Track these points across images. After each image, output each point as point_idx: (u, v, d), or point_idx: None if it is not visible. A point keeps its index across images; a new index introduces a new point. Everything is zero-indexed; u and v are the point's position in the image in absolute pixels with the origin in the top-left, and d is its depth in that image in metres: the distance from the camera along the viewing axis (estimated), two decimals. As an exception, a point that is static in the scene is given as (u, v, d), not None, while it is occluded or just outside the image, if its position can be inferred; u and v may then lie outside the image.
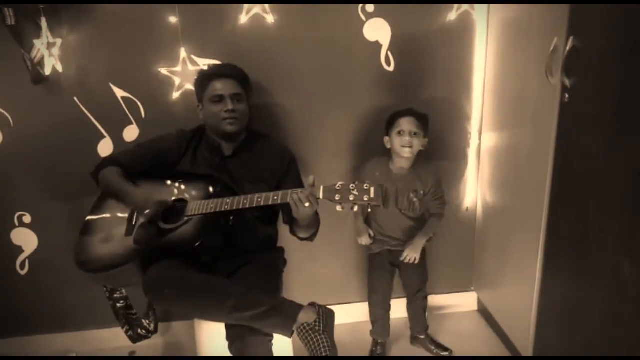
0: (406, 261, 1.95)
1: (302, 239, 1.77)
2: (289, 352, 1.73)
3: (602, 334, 1.44)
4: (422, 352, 2.16)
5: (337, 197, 1.41)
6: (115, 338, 2.18)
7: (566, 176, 1.55)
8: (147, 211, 1.59)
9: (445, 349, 2.12)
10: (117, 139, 2.00)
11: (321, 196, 1.44)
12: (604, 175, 1.37)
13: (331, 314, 1.51)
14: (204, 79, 1.72)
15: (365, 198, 1.39)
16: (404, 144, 1.84)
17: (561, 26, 1.46)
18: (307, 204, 1.43)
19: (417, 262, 1.96)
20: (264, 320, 1.44)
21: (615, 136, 1.31)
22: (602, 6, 1.34)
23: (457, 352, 2.12)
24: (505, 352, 2.10)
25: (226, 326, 1.53)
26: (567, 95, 1.48)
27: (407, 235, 1.97)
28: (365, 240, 2.00)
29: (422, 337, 2.16)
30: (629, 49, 1.24)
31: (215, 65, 1.84)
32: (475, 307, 2.45)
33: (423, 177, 1.93)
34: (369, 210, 1.64)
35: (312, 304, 1.50)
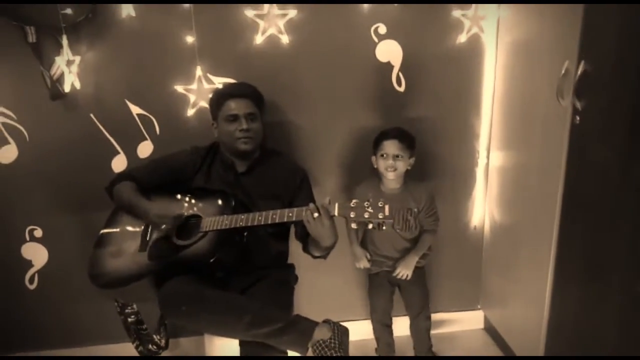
0: (399, 277, 1.95)
1: (315, 257, 1.78)
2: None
3: (616, 350, 1.45)
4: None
5: (352, 215, 1.42)
6: (125, 353, 2.18)
7: (577, 195, 1.58)
8: (163, 226, 1.60)
9: (451, 367, 2.12)
10: (131, 155, 2.02)
11: (336, 213, 1.46)
12: (615, 194, 1.40)
13: (346, 331, 1.52)
14: (219, 97, 1.74)
15: (380, 215, 1.41)
16: (387, 166, 1.85)
17: (572, 50, 1.50)
18: (315, 214, 1.45)
19: (408, 278, 1.96)
20: (279, 337, 1.44)
21: (627, 156, 1.34)
22: (612, 30, 1.38)
23: (463, 371, 2.12)
24: (513, 371, 2.10)
25: (240, 343, 1.53)
26: (578, 118, 1.52)
27: (404, 255, 1.97)
28: (364, 264, 1.99)
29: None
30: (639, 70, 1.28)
31: (230, 85, 1.87)
32: (481, 325, 2.45)
33: (415, 194, 1.94)
34: (384, 228, 1.66)
35: (326, 321, 1.51)
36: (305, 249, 1.78)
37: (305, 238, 1.74)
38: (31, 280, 2.13)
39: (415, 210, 1.94)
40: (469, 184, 2.24)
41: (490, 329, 2.37)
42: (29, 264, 2.12)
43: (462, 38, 2.03)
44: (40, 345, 2.22)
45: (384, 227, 1.46)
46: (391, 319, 2.11)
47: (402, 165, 1.86)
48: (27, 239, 2.08)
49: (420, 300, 2.06)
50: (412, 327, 2.12)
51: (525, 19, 1.87)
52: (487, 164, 2.21)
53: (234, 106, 1.70)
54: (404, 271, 1.95)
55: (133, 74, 1.94)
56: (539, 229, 1.77)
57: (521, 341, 2.03)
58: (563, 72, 1.55)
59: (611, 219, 1.42)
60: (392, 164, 1.85)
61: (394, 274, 1.96)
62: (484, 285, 2.37)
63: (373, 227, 1.44)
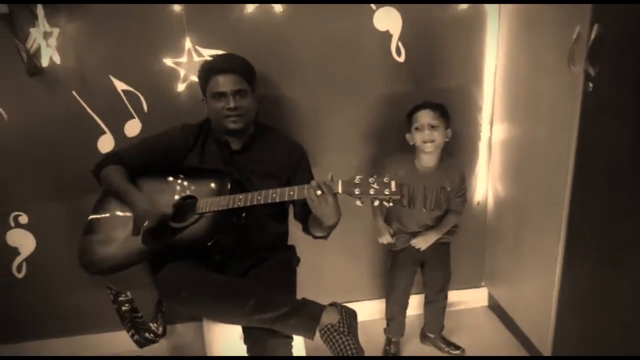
0: (414, 246, 1.90)
1: (316, 237, 1.69)
2: (302, 353, 1.67)
3: (625, 331, 1.41)
4: (433, 351, 2.12)
5: (356, 192, 1.35)
6: (120, 342, 2.10)
7: (590, 166, 1.52)
8: (146, 223, 1.50)
9: (457, 347, 2.08)
10: (118, 134, 1.91)
11: (340, 190, 1.38)
12: (631, 167, 1.34)
13: (354, 314, 1.46)
14: (206, 72, 1.62)
15: (387, 192, 1.33)
16: (425, 138, 1.77)
17: (584, 14, 1.42)
18: (318, 192, 1.37)
19: (421, 249, 1.91)
20: (285, 322, 1.38)
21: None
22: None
23: (469, 350, 2.08)
24: (519, 348, 2.07)
25: (244, 329, 1.47)
26: (591, 85, 1.45)
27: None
28: (386, 239, 1.93)
29: (433, 335, 2.12)
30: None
31: (217, 58, 1.71)
32: (485, 302, 2.41)
33: (449, 173, 1.88)
34: (390, 204, 1.59)
35: (333, 304, 1.45)
36: (306, 229, 1.70)
37: (306, 218, 1.65)
38: (19, 269, 2.04)
39: (449, 189, 1.87)
40: (472, 159, 2.17)
41: (494, 306, 2.34)
42: (15, 251, 2.02)
43: (464, 5, 1.93)
44: (32, 335, 2.14)
45: (390, 204, 1.39)
46: (408, 301, 2.05)
47: (439, 137, 1.78)
48: (12, 225, 1.98)
49: (443, 278, 2.01)
50: (428, 305, 2.08)
51: (532, -18, 1.78)
52: (490, 137, 2.14)
53: (221, 82, 1.58)
54: (420, 243, 1.89)
55: (117, 47, 1.81)
56: (548, 204, 1.71)
57: (529, 318, 1.99)
58: (575, 37, 1.47)
59: (626, 193, 1.37)
60: (428, 134, 1.76)
61: (411, 243, 1.90)
62: (488, 262, 2.32)
63: (380, 204, 1.36)
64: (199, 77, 1.67)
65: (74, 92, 1.84)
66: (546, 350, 1.81)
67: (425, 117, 1.78)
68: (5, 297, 2.06)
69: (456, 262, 2.24)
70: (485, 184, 2.21)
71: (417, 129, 1.79)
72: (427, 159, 1.84)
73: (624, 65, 1.34)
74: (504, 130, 2.05)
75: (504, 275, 2.19)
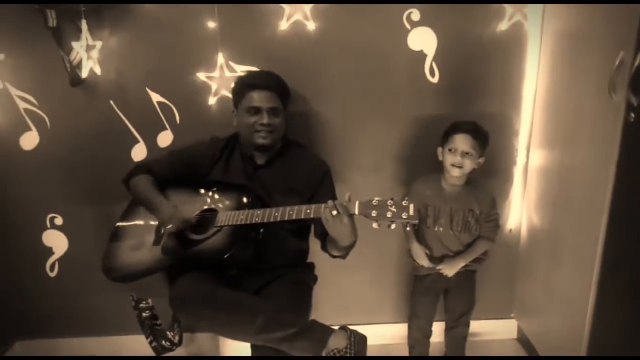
0: (441, 272, 1.82)
1: (334, 257, 1.68)
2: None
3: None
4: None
5: (373, 214, 1.33)
6: (140, 345, 2.13)
7: (628, 201, 1.42)
8: (170, 227, 1.54)
9: (481, 379, 1.99)
10: (151, 143, 1.97)
11: (357, 212, 1.36)
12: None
13: (363, 340, 1.42)
14: (242, 87, 1.65)
15: (404, 215, 1.30)
16: (454, 162, 1.72)
17: (629, 39, 1.34)
18: (334, 212, 1.35)
19: (448, 276, 1.83)
20: (292, 343, 1.36)
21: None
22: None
23: (494, 383, 1.98)
24: (547, 387, 1.95)
25: (252, 347, 1.46)
26: (632, 115, 1.36)
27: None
28: (425, 262, 1.82)
29: (456, 365, 2.03)
30: None
31: (255, 74, 1.74)
32: (514, 335, 2.30)
33: (479, 196, 1.81)
34: (407, 228, 1.55)
35: (343, 328, 1.41)
36: (324, 248, 1.69)
37: (324, 236, 1.64)
38: (52, 268, 2.13)
39: (478, 212, 1.80)
40: (506, 184, 2.09)
41: (523, 340, 2.22)
42: (49, 251, 2.11)
43: (503, 26, 1.87)
44: (58, 332, 2.22)
45: (407, 228, 1.35)
46: (431, 329, 1.99)
47: (469, 164, 1.72)
48: (48, 226, 2.08)
49: (465, 305, 1.93)
50: (449, 333, 2.01)
51: (574, 5, 1.70)
52: (527, 163, 2.05)
53: (256, 98, 1.61)
54: (447, 269, 1.81)
55: (154, 61, 1.88)
56: (583, 236, 1.62)
57: (558, 354, 1.87)
58: (617, 63, 1.39)
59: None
60: (459, 160, 1.71)
61: (437, 268, 1.82)
62: (519, 293, 2.22)
63: (406, 226, 1.33)
64: (234, 90, 1.70)
65: (111, 102, 1.91)
66: (574, 393, 1.69)
67: (462, 142, 1.71)
68: (38, 294, 2.16)
69: (486, 290, 2.16)
70: (520, 211, 2.12)
71: (450, 150, 1.73)
72: (454, 179, 1.78)
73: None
74: (541, 157, 1.96)
75: (534, 308, 2.08)
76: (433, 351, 2.06)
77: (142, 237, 1.64)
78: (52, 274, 2.13)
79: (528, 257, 2.11)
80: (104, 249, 1.68)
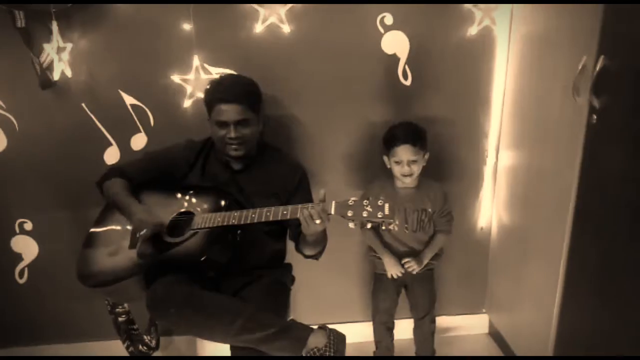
0: (408, 269, 1.85)
1: (307, 257, 1.72)
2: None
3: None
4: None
5: (349, 214, 1.35)
6: (116, 351, 2.11)
7: (591, 197, 1.49)
8: (143, 232, 1.52)
9: (454, 373, 2.05)
10: (124, 146, 1.95)
11: (333, 212, 1.38)
12: (632, 198, 1.31)
13: (342, 339, 1.44)
14: (210, 100, 1.60)
15: (380, 215, 1.33)
16: (404, 173, 1.77)
17: (591, 44, 1.41)
18: (317, 221, 1.38)
19: (414, 272, 1.87)
20: (272, 343, 1.38)
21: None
22: (635, 24, 1.28)
23: (467, 377, 2.04)
24: (518, 379, 2.02)
25: (231, 349, 1.47)
26: (595, 117, 1.43)
27: (416, 254, 1.89)
28: (398, 270, 1.85)
29: (427, 361, 2.09)
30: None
31: (221, 85, 1.62)
32: (486, 329, 2.37)
33: (431, 194, 1.86)
34: (382, 228, 1.58)
35: (322, 327, 1.44)
36: (297, 249, 1.72)
37: (298, 237, 1.67)
38: (21, 274, 2.08)
39: (430, 210, 1.86)
40: (477, 184, 2.15)
41: (495, 334, 2.29)
42: (18, 257, 2.06)
43: (473, 30, 1.93)
44: (31, 340, 2.17)
45: (383, 227, 1.39)
46: (394, 322, 2.03)
47: (417, 169, 1.78)
48: (17, 231, 2.03)
49: (427, 302, 1.98)
50: (416, 330, 2.05)
51: (540, 11, 1.76)
52: (496, 163, 2.12)
53: (224, 112, 1.56)
54: (414, 265, 1.84)
55: (127, 63, 1.86)
56: (550, 233, 1.69)
57: (528, 347, 1.95)
58: (580, 67, 1.45)
59: (627, 225, 1.34)
60: (408, 170, 1.76)
61: (402, 263, 1.85)
62: (490, 288, 2.29)
63: (372, 227, 1.36)
64: (204, 100, 1.66)
65: (83, 105, 1.88)
66: (543, 383, 1.77)
67: (404, 153, 1.75)
68: (7, 302, 2.10)
69: (458, 287, 2.23)
70: (490, 209, 2.19)
71: (396, 162, 1.78)
72: (405, 183, 1.83)
73: (629, 99, 1.31)
74: (510, 157, 2.03)
75: (505, 302, 2.15)
76: (402, 348, 2.10)
77: (117, 241, 1.62)
78: (22, 281, 2.08)
79: (498, 253, 2.18)
80: (78, 255, 1.65)
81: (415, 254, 1.88)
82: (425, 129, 1.82)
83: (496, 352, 2.22)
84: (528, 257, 1.90)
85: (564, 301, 1.64)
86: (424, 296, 1.97)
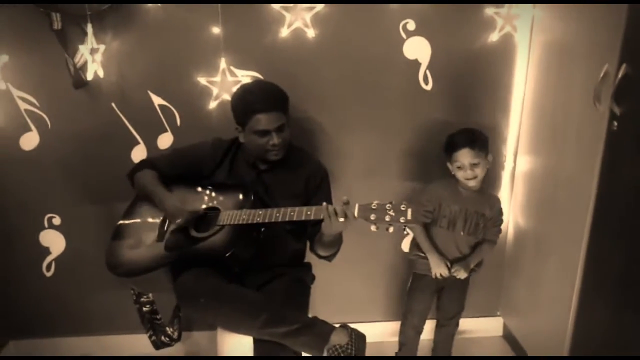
0: (454, 272, 1.87)
1: (321, 257, 1.75)
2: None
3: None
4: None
5: (372, 217, 1.38)
6: (136, 344, 2.17)
7: (610, 205, 1.51)
8: (179, 220, 1.58)
9: (469, 375, 2.07)
10: (151, 145, 2.00)
11: (356, 215, 1.42)
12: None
13: (363, 338, 1.48)
14: (248, 111, 1.60)
15: (402, 219, 1.36)
16: (468, 177, 1.80)
17: (613, 52, 1.43)
18: (342, 219, 1.41)
19: (461, 277, 1.89)
20: (295, 338, 1.41)
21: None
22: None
23: (481, 379, 2.07)
24: (532, 381, 2.04)
25: (254, 341, 1.51)
26: (615, 124, 1.45)
27: (462, 257, 1.91)
28: (444, 271, 1.86)
29: (443, 361, 2.11)
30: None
31: (258, 97, 1.62)
32: (500, 332, 2.39)
33: (491, 202, 1.90)
34: (405, 233, 1.62)
35: (344, 326, 1.47)
36: (312, 248, 1.76)
37: (314, 238, 1.71)
38: (48, 268, 2.14)
39: (488, 217, 1.89)
40: (494, 188, 2.17)
41: (509, 337, 2.31)
42: (46, 251, 2.12)
43: (494, 37, 1.96)
44: (54, 332, 2.23)
45: (405, 232, 1.42)
46: (424, 326, 2.05)
47: (481, 172, 1.81)
48: (46, 226, 2.09)
49: (458, 305, 2.02)
50: (439, 330, 2.08)
51: (562, 18, 1.79)
52: (514, 168, 2.14)
53: (264, 121, 1.58)
54: (461, 273, 1.87)
55: (156, 64, 1.91)
56: (567, 239, 1.71)
57: (542, 351, 1.96)
58: (602, 75, 1.48)
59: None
60: (471, 173, 1.79)
61: (450, 267, 1.88)
62: (505, 291, 2.31)
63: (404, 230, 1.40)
64: (238, 111, 1.65)
65: (113, 105, 1.94)
66: (559, 386, 1.78)
67: (465, 157, 1.77)
68: (34, 294, 2.16)
69: (473, 289, 2.23)
70: (507, 213, 2.20)
71: (459, 167, 1.80)
72: (471, 184, 1.85)
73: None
74: (528, 163, 2.05)
75: (520, 306, 2.17)
76: (422, 349, 2.12)
77: (145, 233, 1.68)
78: (49, 274, 2.15)
79: (514, 257, 2.20)
80: (107, 247, 1.71)
81: (460, 257, 1.91)
82: (486, 134, 1.85)
83: (509, 355, 2.24)
84: (544, 261, 1.92)
85: (580, 306, 1.65)
86: (457, 300, 2.00)
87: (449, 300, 2.00)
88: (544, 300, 1.92)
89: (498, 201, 1.92)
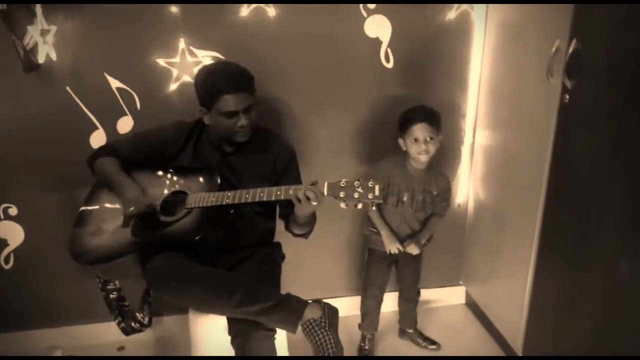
0: (407, 250, 1.95)
1: (296, 235, 1.78)
2: (285, 346, 1.73)
3: (594, 331, 1.49)
4: (410, 346, 2.20)
5: (341, 195, 1.40)
6: (104, 333, 2.16)
7: (563, 175, 1.60)
8: (132, 209, 1.54)
9: (434, 343, 2.17)
10: (110, 130, 1.94)
11: (325, 193, 1.43)
12: (602, 175, 1.42)
13: (335, 312, 1.52)
14: (215, 91, 1.56)
15: (370, 196, 1.39)
16: (420, 151, 1.83)
17: (564, 29, 1.50)
18: (314, 203, 1.43)
19: (414, 253, 1.97)
20: (270, 315, 1.44)
21: (615, 137, 1.35)
22: (605, 9, 1.38)
23: (445, 345, 2.17)
24: (493, 345, 2.15)
25: (228, 321, 1.52)
26: (567, 97, 1.52)
27: (412, 232, 1.98)
28: (397, 247, 1.93)
29: (411, 331, 2.20)
30: (631, 53, 1.28)
31: (222, 77, 1.58)
32: (462, 300, 2.50)
33: (438, 179, 1.95)
34: (373, 208, 1.66)
35: (317, 301, 1.50)
36: (287, 228, 1.78)
37: (288, 217, 1.73)
38: (7, 260, 2.06)
39: (435, 194, 1.94)
40: (454, 162, 2.25)
41: (471, 304, 2.42)
42: (4, 243, 2.04)
43: (452, 15, 2.00)
44: (17, 325, 2.17)
45: (373, 207, 1.44)
46: (383, 296, 2.13)
47: (433, 148, 1.84)
48: (2, 217, 2.01)
49: (415, 275, 2.09)
50: (402, 301, 2.16)
51: (515, -4, 1.85)
52: (473, 142, 2.22)
53: (232, 103, 1.55)
54: (415, 250, 1.95)
55: (112, 46, 1.84)
56: (524, 208, 1.80)
57: (503, 316, 2.08)
58: (554, 50, 1.55)
59: (598, 199, 1.45)
60: (424, 148, 1.82)
61: (404, 244, 1.94)
62: (466, 261, 2.41)
63: (371, 206, 1.43)
64: (202, 91, 1.62)
65: (68, 89, 1.86)
66: (517, 346, 1.90)
67: (422, 131, 1.81)
68: (-7, 288, 2.09)
69: (436, 260, 2.33)
70: (467, 187, 2.30)
71: (413, 140, 1.83)
72: (420, 163, 1.90)
73: (599, 80, 1.41)
74: (486, 137, 2.13)
75: (481, 274, 2.28)
76: (385, 321, 2.20)
77: (110, 220, 1.64)
78: (7, 266, 2.07)
79: (475, 228, 2.30)
80: (70, 235, 1.66)
81: (412, 233, 1.98)
82: (439, 113, 1.88)
83: (473, 321, 2.35)
84: (503, 231, 2.01)
85: (537, 272, 1.76)
86: (412, 272, 2.08)
87: (406, 273, 2.09)
88: (503, 268, 2.02)
89: (446, 179, 1.98)
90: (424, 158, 1.85)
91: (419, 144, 1.83)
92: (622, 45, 1.32)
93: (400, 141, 1.90)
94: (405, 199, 1.92)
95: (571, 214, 1.57)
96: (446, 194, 1.98)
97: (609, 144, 1.38)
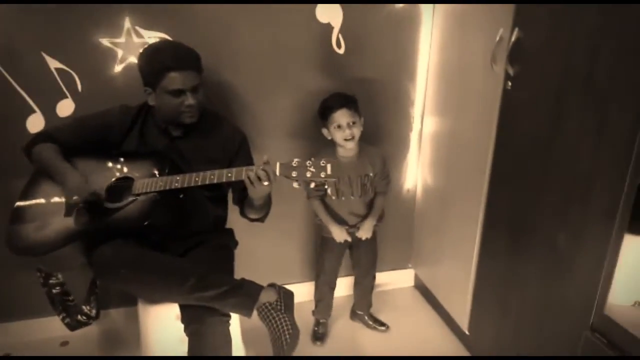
0: (359, 236, 1.98)
1: (252, 220, 1.76)
2: (238, 331, 1.72)
3: (535, 307, 1.58)
4: (361, 328, 2.25)
5: (293, 174, 1.39)
6: (45, 328, 2.06)
7: (506, 159, 1.67)
8: (75, 198, 1.48)
9: (383, 324, 2.23)
10: (49, 113, 1.83)
11: (278, 173, 1.42)
12: (542, 157, 1.49)
13: (290, 295, 1.53)
14: (160, 68, 1.51)
15: (322, 175, 1.38)
16: (346, 137, 1.85)
17: (507, 18, 1.56)
18: (265, 183, 1.41)
19: (364, 238, 2.00)
20: (224, 300, 1.42)
21: (554, 122, 1.43)
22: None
23: (395, 327, 2.23)
24: (442, 325, 2.24)
25: (181, 308, 1.49)
26: (510, 83, 1.59)
27: (361, 217, 2.00)
28: (344, 236, 1.96)
29: (361, 312, 2.25)
30: (570, 42, 1.35)
31: (169, 54, 1.53)
32: (412, 283, 2.58)
33: (371, 159, 1.97)
34: (326, 187, 1.66)
35: (272, 285, 1.50)
36: (242, 213, 1.76)
37: (243, 202, 1.71)
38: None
39: (372, 174, 1.96)
40: (404, 149, 2.30)
41: (420, 286, 2.50)
42: None
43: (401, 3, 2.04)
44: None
45: (326, 186, 1.44)
46: (336, 282, 2.15)
47: (358, 132, 1.86)
48: None
49: (371, 260, 2.13)
50: (357, 286, 2.20)
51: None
52: (421, 129, 2.28)
53: (179, 81, 1.51)
54: (366, 234, 1.98)
55: (51, 23, 1.74)
56: (469, 192, 1.87)
57: (450, 296, 2.16)
58: (497, 39, 1.61)
59: (537, 183, 1.53)
60: (349, 133, 1.84)
61: (354, 232, 1.97)
62: (415, 245, 2.48)
63: (316, 186, 1.43)
64: (148, 70, 1.55)
65: (1, 68, 1.74)
66: (464, 324, 1.98)
67: (343, 117, 1.83)
68: None
69: (386, 245, 2.38)
70: (415, 172, 2.36)
71: (337, 127, 1.85)
72: (348, 150, 1.92)
73: (539, 67, 1.49)
74: (434, 123, 2.19)
75: (429, 257, 2.35)
76: (340, 304, 2.24)
77: (50, 210, 1.56)
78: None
79: (423, 213, 2.37)
80: (6, 232, 1.55)
81: (361, 217, 2.00)
82: (355, 96, 1.91)
83: (422, 302, 2.43)
84: (449, 215, 2.09)
85: (482, 252, 1.84)
86: (367, 255, 2.11)
87: (361, 257, 2.12)
88: (449, 250, 2.10)
89: (378, 155, 1.99)
90: (350, 144, 1.87)
91: (343, 130, 1.85)
92: (561, 34, 1.40)
93: (325, 131, 1.91)
94: (343, 188, 1.95)
95: (513, 195, 1.65)
96: (384, 171, 2.01)
97: (548, 129, 1.46)
